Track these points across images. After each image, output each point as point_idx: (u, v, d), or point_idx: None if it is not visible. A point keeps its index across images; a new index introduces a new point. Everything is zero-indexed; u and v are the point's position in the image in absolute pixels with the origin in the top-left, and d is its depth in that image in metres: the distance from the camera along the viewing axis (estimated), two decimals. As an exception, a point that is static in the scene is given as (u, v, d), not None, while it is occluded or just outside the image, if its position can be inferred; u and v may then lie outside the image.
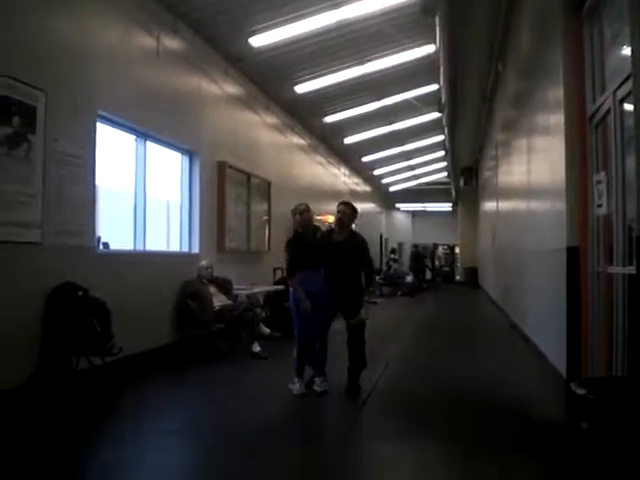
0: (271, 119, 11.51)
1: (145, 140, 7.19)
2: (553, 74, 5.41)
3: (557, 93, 5.22)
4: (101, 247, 6.30)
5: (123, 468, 3.59)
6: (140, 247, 7.13)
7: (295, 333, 5.49)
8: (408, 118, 14.85)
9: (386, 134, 16.01)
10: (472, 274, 24.16)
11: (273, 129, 11.72)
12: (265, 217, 10.98)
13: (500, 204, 13.29)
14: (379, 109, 13.39)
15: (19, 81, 4.87)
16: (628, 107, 3.66)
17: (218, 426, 4.56)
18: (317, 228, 5.78)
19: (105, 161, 6.26)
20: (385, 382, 5.92)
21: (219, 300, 7.56)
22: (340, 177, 18.61)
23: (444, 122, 14.28)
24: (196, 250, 8.22)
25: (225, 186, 8.96)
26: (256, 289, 9.08)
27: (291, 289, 5.48)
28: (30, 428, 4.30)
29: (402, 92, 12.62)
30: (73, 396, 5.02)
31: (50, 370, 5.07)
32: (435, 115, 13.85)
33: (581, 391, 2.72)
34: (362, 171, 21.09)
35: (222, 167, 8.92)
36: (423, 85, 12.32)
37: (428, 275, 24.44)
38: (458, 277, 29.01)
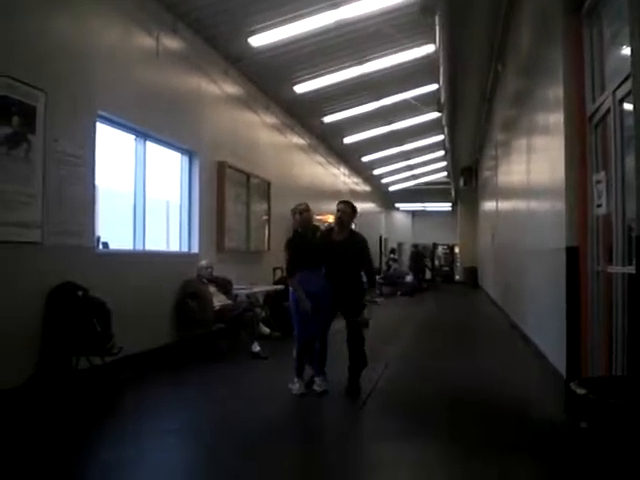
0: (271, 119, 11.51)
1: (145, 140, 7.19)
2: (553, 74, 5.41)
3: (557, 93, 5.23)
4: (101, 247, 6.30)
5: (123, 468, 3.60)
6: (140, 247, 7.13)
7: (295, 333, 5.49)
8: (408, 118, 14.85)
9: (386, 134, 16.01)
10: (472, 274, 24.16)
11: (273, 129, 11.72)
12: (265, 217, 10.98)
13: (500, 204, 13.30)
14: (378, 109, 13.39)
15: (19, 81, 4.87)
16: (628, 107, 3.66)
17: (218, 426, 4.56)
18: (317, 228, 5.78)
19: (105, 161, 6.26)
20: (385, 382, 5.92)
21: (219, 300, 7.56)
22: (340, 177, 18.62)
23: (444, 122, 14.28)
24: (196, 250, 8.22)
25: (225, 186, 8.96)
26: (256, 289, 9.09)
27: (291, 289, 5.48)
28: (30, 428, 4.30)
29: (402, 92, 12.62)
30: (73, 396, 5.02)
31: (50, 370, 5.07)
32: (435, 115, 13.85)
33: (581, 391, 2.72)
34: (362, 171, 21.09)
35: (222, 167, 8.92)
36: (423, 85, 12.32)
37: (428, 275, 24.43)
38: (458, 277, 29.01)
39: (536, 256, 6.87)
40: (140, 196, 7.15)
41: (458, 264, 29.57)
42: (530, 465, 3.65)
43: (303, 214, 5.47)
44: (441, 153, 20.08)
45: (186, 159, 8.24)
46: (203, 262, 7.84)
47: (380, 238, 26.04)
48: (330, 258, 5.50)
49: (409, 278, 20.77)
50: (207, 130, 8.60)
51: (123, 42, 6.56)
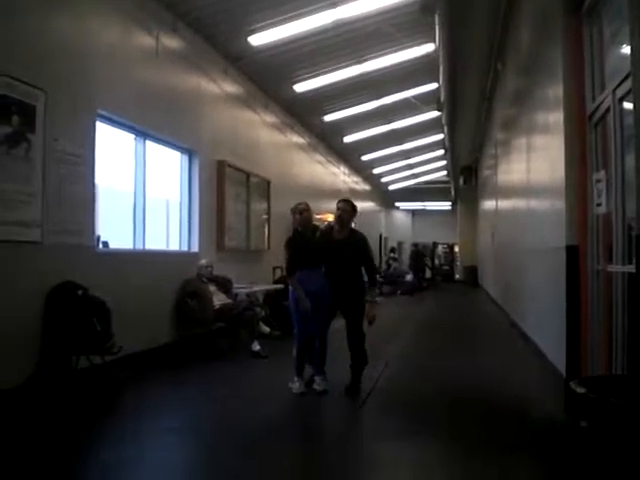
0: (270, 118, 11.51)
1: (145, 139, 7.19)
2: (553, 72, 5.41)
3: (557, 92, 5.22)
4: (101, 246, 6.31)
5: (123, 467, 3.60)
6: (140, 246, 7.13)
7: (295, 332, 5.49)
8: (407, 117, 14.84)
9: (385, 133, 16.01)
10: (472, 273, 24.16)
11: (272, 128, 11.71)
12: (265, 216, 10.98)
13: (500, 203, 13.30)
14: (378, 108, 13.38)
15: (19, 80, 4.87)
16: (627, 106, 3.66)
17: (218, 425, 4.56)
18: (316, 227, 5.76)
19: (105, 160, 6.26)
20: (385, 381, 5.92)
21: (219, 299, 7.56)
22: (339, 176, 18.62)
23: (443, 121, 14.28)
24: (196, 249, 8.22)
25: (224, 185, 8.96)
26: (256, 288, 9.09)
27: (291, 288, 5.48)
28: (30, 428, 4.30)
29: (401, 91, 12.61)
30: (73, 395, 5.02)
31: (50, 369, 5.07)
32: (434, 114, 13.85)
33: (581, 390, 2.72)
34: (361, 170, 21.09)
35: (221, 166, 8.92)
36: (422, 84, 12.31)
37: (428, 274, 24.42)
38: (458, 276, 28.99)
39: (536, 255, 6.87)
40: (140, 195, 7.15)
41: (458, 263, 29.57)
42: (530, 464, 3.65)
43: (303, 214, 5.46)
44: (441, 152, 20.08)
45: (186, 158, 8.24)
46: (203, 261, 7.85)
47: (380, 237, 26.05)
48: (330, 257, 5.50)
49: (409, 277, 20.77)
50: (207, 129, 8.60)
51: (123, 41, 6.56)
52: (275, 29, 8.19)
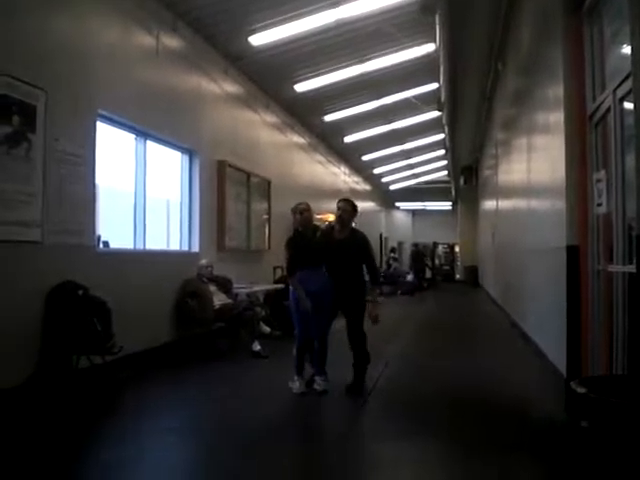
0: (271, 118, 11.51)
1: (145, 139, 7.19)
2: (553, 72, 5.40)
3: (557, 92, 5.22)
4: (101, 246, 6.31)
5: (123, 467, 3.60)
6: (140, 246, 7.13)
7: (295, 332, 5.49)
8: (408, 117, 14.84)
9: (386, 133, 16.00)
10: (472, 273, 24.15)
11: (273, 128, 11.71)
12: (265, 216, 10.99)
13: (500, 203, 13.29)
14: (379, 108, 13.38)
15: (19, 80, 4.87)
16: (628, 106, 3.66)
17: (218, 425, 4.56)
18: (316, 227, 5.76)
19: (105, 160, 6.26)
20: (385, 381, 5.92)
21: (219, 299, 7.56)
22: (340, 176, 18.62)
23: (444, 121, 14.28)
24: (196, 249, 8.22)
25: (225, 185, 8.96)
26: (256, 288, 9.10)
27: (291, 288, 5.48)
28: (30, 427, 4.31)
29: (402, 91, 12.61)
30: (73, 395, 5.02)
31: (50, 369, 5.07)
32: (435, 114, 13.85)
33: (581, 390, 2.72)
34: (362, 170, 21.08)
35: (222, 166, 8.92)
36: (423, 84, 12.31)
37: (428, 274, 24.41)
38: (458, 276, 28.99)
39: (536, 255, 6.87)
40: (140, 195, 7.15)
41: (458, 263, 29.57)
42: (530, 464, 3.65)
43: (304, 214, 5.46)
44: (441, 152, 20.08)
45: (186, 158, 8.24)
46: (203, 261, 7.85)
47: (380, 237, 26.05)
48: (331, 256, 5.50)
49: (410, 277, 20.77)
50: (207, 129, 8.60)
51: (123, 41, 6.56)
52: (275, 29, 8.19)
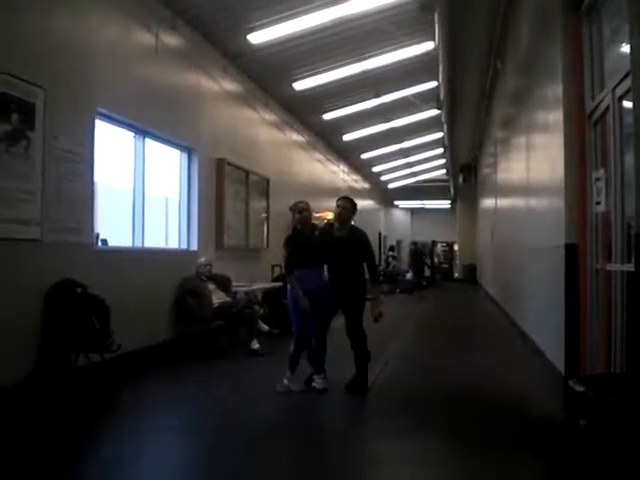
0: (270, 116, 11.50)
1: (144, 137, 7.18)
2: (552, 71, 5.40)
3: (556, 90, 5.22)
4: (100, 244, 6.31)
5: (122, 465, 3.60)
6: (139, 244, 7.12)
7: (294, 329, 5.49)
8: (407, 115, 14.84)
9: (385, 131, 15.99)
10: (471, 271, 24.19)
11: (272, 126, 11.71)
12: (264, 214, 10.98)
13: (499, 201, 13.30)
14: (378, 106, 13.36)
15: (18, 78, 4.86)
16: (627, 104, 3.66)
17: (217, 423, 4.56)
18: (315, 226, 5.74)
19: (104, 158, 6.26)
20: (385, 379, 5.93)
21: (218, 297, 7.56)
22: (339, 174, 18.61)
23: (443, 119, 14.29)
24: (194, 247, 8.22)
25: (224, 183, 8.95)
26: (255, 286, 9.09)
27: (289, 286, 5.47)
28: (29, 425, 4.31)
29: (401, 89, 12.60)
30: (72, 393, 5.02)
31: (49, 367, 5.07)
32: (434, 112, 13.85)
33: (579, 388, 2.72)
34: (361, 168, 21.08)
35: (221, 164, 8.91)
36: (422, 82, 12.30)
37: (427, 272, 24.44)
38: (457, 274, 29.02)
39: (535, 253, 6.88)
40: (139, 193, 7.14)
41: (457, 261, 29.60)
42: (530, 462, 3.65)
43: (303, 213, 5.45)
44: (440, 150, 20.09)
45: (185, 156, 8.23)
46: (202, 259, 7.84)
47: (379, 235, 26.05)
48: (331, 254, 5.49)
49: (409, 276, 20.78)
50: (206, 127, 8.59)
51: (122, 39, 6.55)
52: (274, 27, 8.18)
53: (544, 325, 6.22)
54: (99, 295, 5.49)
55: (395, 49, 10.11)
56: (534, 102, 6.96)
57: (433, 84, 12.07)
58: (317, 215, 11.38)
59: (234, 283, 8.34)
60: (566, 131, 4.89)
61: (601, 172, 4.19)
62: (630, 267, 3.46)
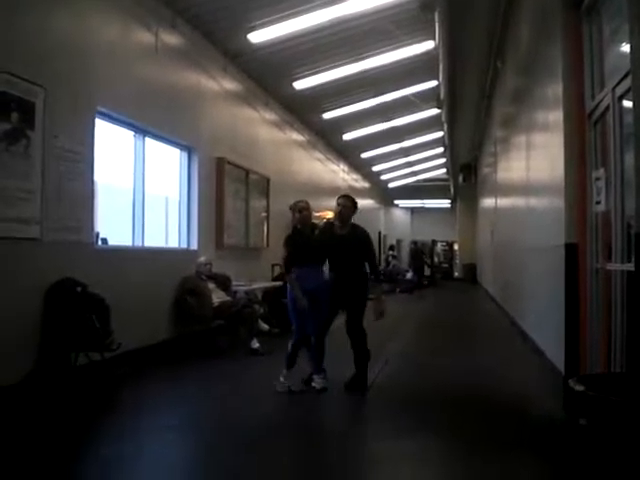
0: (270, 115, 11.49)
1: (144, 136, 7.17)
2: (552, 71, 5.40)
3: (556, 90, 5.22)
4: (100, 243, 6.31)
5: (122, 464, 3.60)
6: (139, 243, 7.12)
7: (293, 328, 5.49)
8: (407, 114, 14.83)
9: (385, 130, 15.98)
10: (471, 271, 24.19)
11: (272, 125, 11.70)
12: (264, 213, 10.98)
13: (499, 201, 13.30)
14: (378, 105, 13.36)
15: (18, 77, 4.86)
16: (627, 104, 3.66)
17: (217, 423, 4.56)
18: (315, 225, 5.74)
19: (104, 157, 6.26)
20: (385, 379, 5.93)
21: (218, 296, 7.56)
22: (339, 173, 18.61)
23: (443, 118, 14.28)
24: (195, 246, 8.22)
25: (224, 182, 8.95)
26: (255, 285, 9.09)
27: (288, 285, 5.47)
28: (29, 424, 4.31)
29: (401, 88, 12.60)
30: (72, 392, 5.02)
31: (49, 366, 5.07)
32: (434, 111, 13.84)
33: (579, 387, 2.72)
34: (361, 167, 21.08)
35: (221, 163, 8.91)
36: (422, 81, 12.30)
37: (427, 272, 24.43)
38: (457, 273, 29.02)
39: (535, 253, 6.88)
40: (139, 192, 7.14)
41: (457, 261, 29.59)
42: (530, 462, 3.65)
43: (303, 212, 5.44)
44: (440, 150, 20.08)
45: (185, 155, 8.23)
46: (202, 258, 7.84)
47: (379, 235, 26.05)
48: (333, 253, 5.49)
49: (409, 275, 20.78)
50: (206, 126, 8.59)
51: (122, 38, 6.55)
52: (275, 26, 8.17)
53: (544, 324, 6.22)
54: (99, 294, 5.49)
55: (395, 48, 10.10)
56: (534, 102, 6.96)
57: (433, 83, 12.06)
58: (317, 214, 11.37)
59: (234, 282, 8.34)
60: (566, 130, 4.89)
61: (601, 171, 4.19)
62: (630, 267, 3.46)
